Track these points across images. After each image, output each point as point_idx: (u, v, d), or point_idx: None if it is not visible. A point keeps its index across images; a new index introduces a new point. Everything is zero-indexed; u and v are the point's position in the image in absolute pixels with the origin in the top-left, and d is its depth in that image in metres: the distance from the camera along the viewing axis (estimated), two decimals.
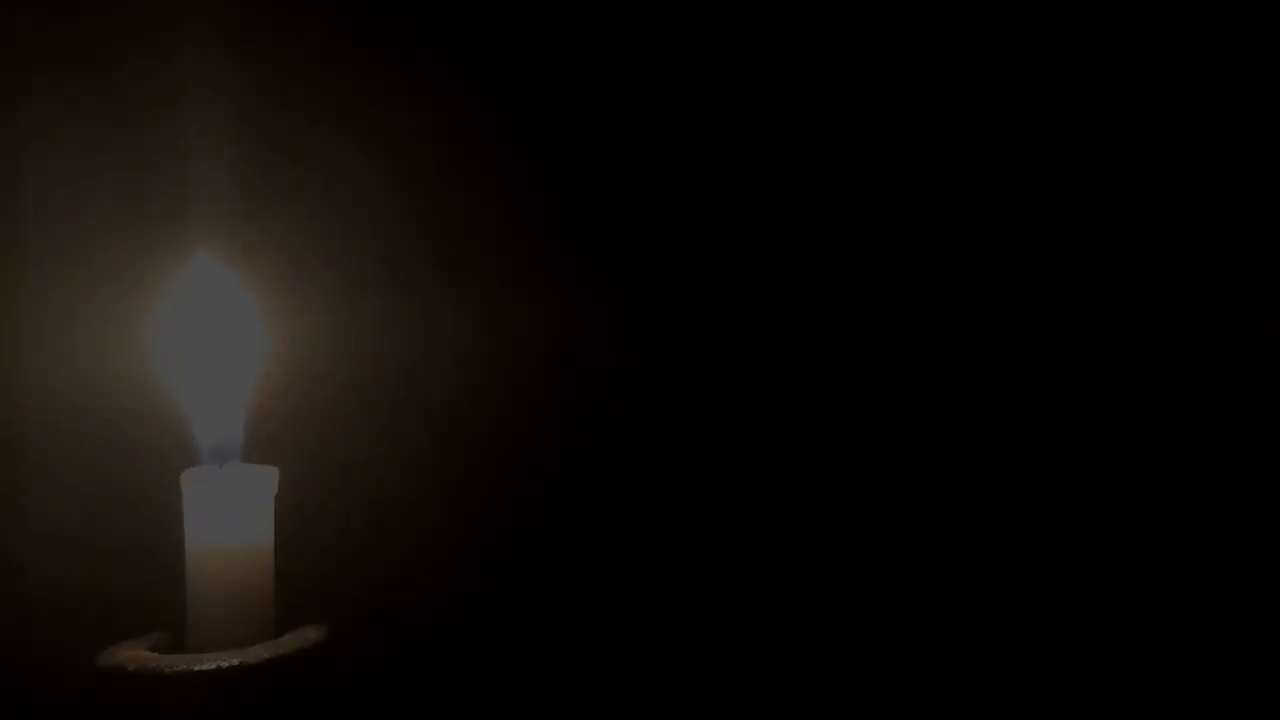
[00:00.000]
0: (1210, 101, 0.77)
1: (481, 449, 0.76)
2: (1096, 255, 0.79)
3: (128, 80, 0.69)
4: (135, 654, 0.49)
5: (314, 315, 0.70)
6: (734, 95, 0.79)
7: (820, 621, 0.78)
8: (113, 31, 0.69)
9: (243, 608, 0.51)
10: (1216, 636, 0.76)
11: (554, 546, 0.77)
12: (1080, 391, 0.79)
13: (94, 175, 0.68)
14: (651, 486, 0.78)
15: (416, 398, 0.74)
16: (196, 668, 0.48)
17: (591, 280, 0.77)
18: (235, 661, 0.48)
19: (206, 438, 0.53)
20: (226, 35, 0.71)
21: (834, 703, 0.77)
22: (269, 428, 0.54)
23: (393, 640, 0.71)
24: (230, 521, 0.51)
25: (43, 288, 0.67)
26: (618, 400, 0.78)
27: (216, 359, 0.54)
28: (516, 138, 0.77)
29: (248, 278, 0.55)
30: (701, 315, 0.79)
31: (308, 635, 0.51)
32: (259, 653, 0.49)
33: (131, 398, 0.65)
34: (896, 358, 0.79)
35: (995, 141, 0.79)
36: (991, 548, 0.78)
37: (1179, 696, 0.75)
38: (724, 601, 0.78)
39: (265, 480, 0.52)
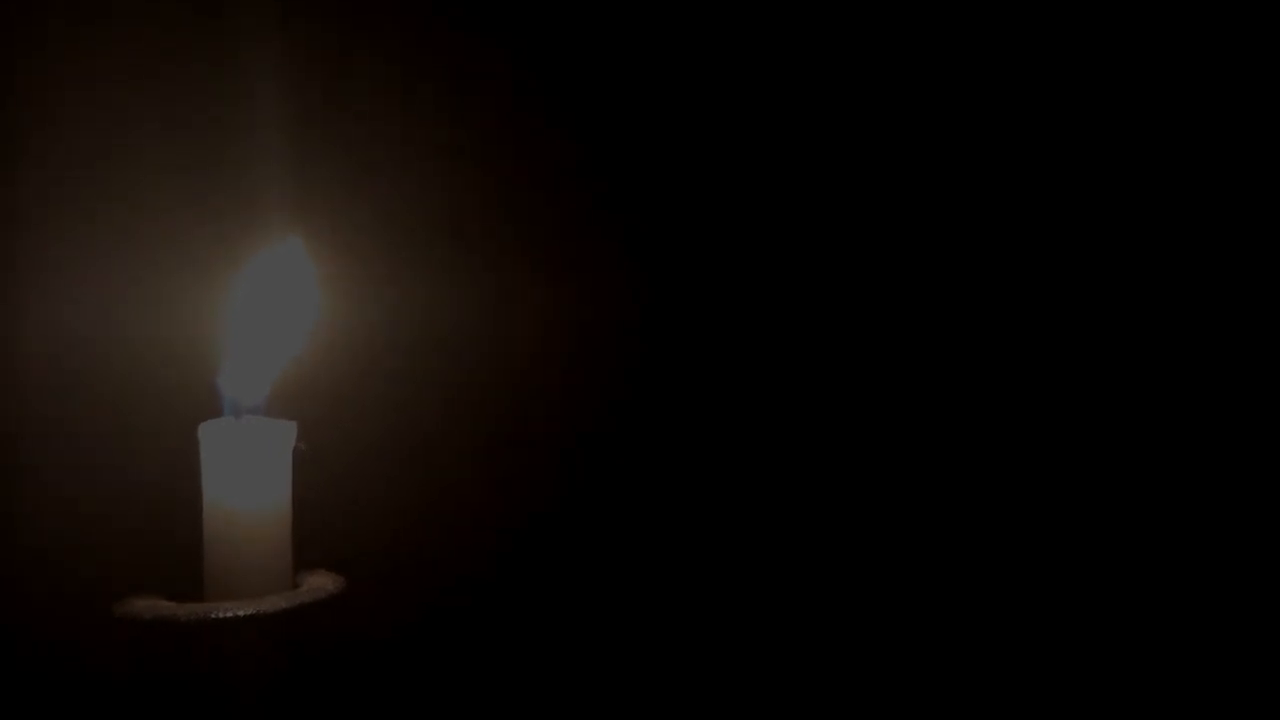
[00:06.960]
0: (1210, 102, 0.77)
1: (502, 414, 0.76)
2: (1096, 255, 0.78)
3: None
4: (152, 603, 0.49)
5: (349, 282, 0.70)
6: (760, 94, 0.79)
7: (824, 621, 0.78)
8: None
9: (259, 559, 0.51)
10: (1216, 636, 0.76)
11: (567, 519, 0.77)
12: (1080, 391, 0.78)
13: (127, 144, 0.69)
14: (662, 474, 0.78)
15: (440, 363, 0.74)
16: (213, 615, 0.48)
17: (612, 267, 0.77)
18: (251, 610, 0.48)
19: (228, 390, 0.53)
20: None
21: (834, 703, 0.77)
22: (291, 382, 0.54)
23: (409, 594, 0.72)
24: (248, 474, 0.51)
25: (63, 242, 0.68)
26: (636, 384, 0.78)
27: (265, 320, 0.54)
28: (542, 124, 0.77)
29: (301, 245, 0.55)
30: (719, 308, 0.79)
31: (324, 587, 0.51)
32: (275, 602, 0.49)
33: (151, 349, 0.65)
34: (907, 360, 0.79)
35: (1000, 141, 0.78)
36: (992, 548, 0.78)
37: (1179, 696, 0.75)
38: (728, 595, 0.78)
39: (284, 434, 0.52)
